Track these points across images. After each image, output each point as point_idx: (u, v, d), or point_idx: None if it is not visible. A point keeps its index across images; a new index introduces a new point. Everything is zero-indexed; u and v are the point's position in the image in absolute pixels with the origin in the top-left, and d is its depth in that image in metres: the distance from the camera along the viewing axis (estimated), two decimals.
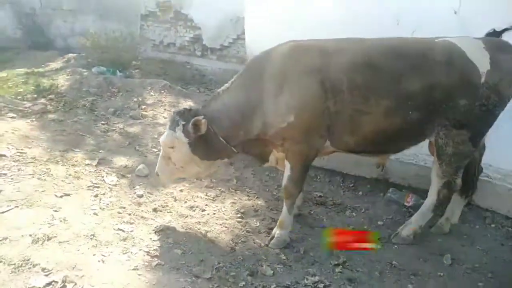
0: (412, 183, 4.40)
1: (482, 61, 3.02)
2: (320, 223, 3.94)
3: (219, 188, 4.41)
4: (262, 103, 3.19)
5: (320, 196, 4.50)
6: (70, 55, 8.88)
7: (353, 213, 4.16)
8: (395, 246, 3.59)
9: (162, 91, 7.14)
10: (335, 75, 3.05)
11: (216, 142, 3.37)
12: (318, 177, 4.87)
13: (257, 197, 4.35)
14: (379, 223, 3.99)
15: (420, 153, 4.31)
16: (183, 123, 3.33)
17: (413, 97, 3.02)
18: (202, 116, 3.26)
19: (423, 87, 3.01)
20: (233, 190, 4.43)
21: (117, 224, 3.30)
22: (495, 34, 3.74)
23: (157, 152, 5.15)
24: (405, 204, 4.27)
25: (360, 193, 4.58)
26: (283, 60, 3.21)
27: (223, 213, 3.89)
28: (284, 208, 3.44)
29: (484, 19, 3.76)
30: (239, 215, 3.89)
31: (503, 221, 3.92)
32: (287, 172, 3.34)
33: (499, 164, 3.99)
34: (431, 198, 3.45)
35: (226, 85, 3.47)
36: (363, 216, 4.09)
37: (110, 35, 8.32)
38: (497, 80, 3.02)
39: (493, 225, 3.91)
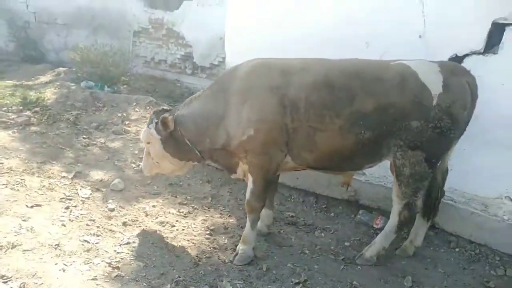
0: (381, 205, 4.48)
1: (434, 84, 3.13)
2: (288, 243, 4.00)
3: (193, 205, 4.48)
4: (226, 115, 3.38)
5: (292, 216, 4.57)
6: (61, 69, 9.01)
7: (322, 234, 4.24)
8: (359, 267, 3.66)
9: (147, 108, 7.25)
10: (294, 93, 3.22)
11: (183, 144, 3.64)
12: (292, 197, 4.95)
13: (229, 215, 4.42)
14: (346, 244, 4.07)
15: (389, 175, 4.40)
16: (156, 121, 3.62)
17: (366, 117, 3.14)
18: (169, 114, 3.55)
19: (375, 108, 3.13)
20: (206, 208, 4.50)
21: (83, 235, 3.36)
22: (457, 59, 3.91)
23: (135, 168, 5.25)
24: (374, 226, 4.36)
25: (332, 214, 4.66)
26: (247, 76, 3.40)
27: (192, 230, 3.96)
28: (247, 223, 3.53)
29: (447, 44, 3.93)
30: (208, 232, 3.96)
31: (467, 245, 4.01)
32: (249, 185, 3.48)
33: (464, 188, 4.11)
34: (393, 219, 3.55)
35: (198, 93, 3.73)
36: (331, 237, 4.16)
37: (99, 50, 8.48)
38: (449, 102, 3.12)
39: (457, 249, 3.99)
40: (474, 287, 3.47)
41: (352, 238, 4.19)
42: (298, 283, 3.27)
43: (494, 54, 3.81)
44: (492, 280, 3.55)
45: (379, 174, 4.49)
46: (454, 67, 3.37)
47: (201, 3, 10.13)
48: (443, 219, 4.17)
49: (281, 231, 4.21)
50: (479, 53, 3.88)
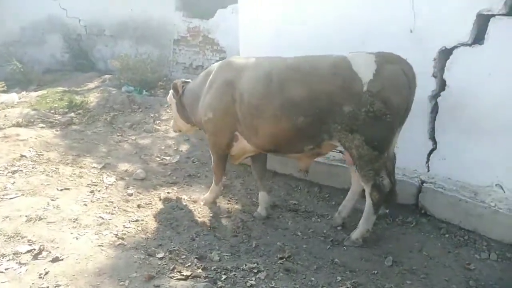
0: None
1: (365, 72, 3.41)
2: (284, 226, 4.34)
3: (204, 193, 4.95)
4: (201, 98, 4.29)
5: (295, 204, 4.89)
6: (106, 76, 9.97)
7: (319, 219, 4.52)
8: (344, 247, 3.92)
9: None
10: (241, 86, 3.87)
11: (184, 111, 4.77)
12: (298, 188, 5.27)
13: (236, 202, 4.83)
14: (339, 228, 4.33)
15: None
16: None
17: (298, 105, 3.55)
18: (181, 82, 4.79)
19: (308, 96, 3.52)
20: None
21: (100, 213, 3.94)
22: (446, 51, 4.07)
23: (159, 161, 5.84)
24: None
25: (333, 203, 4.91)
26: (216, 70, 4.25)
27: (198, 213, 4.42)
28: (213, 181, 4.65)
29: (436, 37, 4.10)
30: (211, 215, 4.40)
31: (457, 231, 4.11)
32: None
33: (457, 177, 4.24)
34: (368, 202, 3.81)
35: (200, 74, 4.65)
36: (326, 222, 4.43)
37: (138, 58, 9.30)
38: (379, 88, 3.37)
39: (446, 235, 4.11)
40: (453, 269, 3.60)
41: (346, 224, 4.43)
42: (282, 258, 3.60)
43: (480, 45, 3.92)
44: (474, 263, 3.65)
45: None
46: (389, 57, 3.56)
47: (235, 11, 10.67)
48: (435, 207, 4.30)
49: (280, 216, 4.55)
50: (467, 45, 4.00)
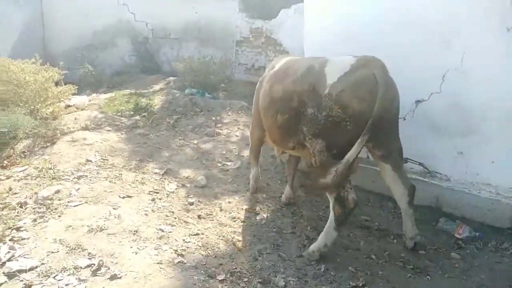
0: (465, 213, 4.11)
1: (332, 74, 3.27)
2: (355, 246, 3.92)
3: (267, 203, 4.66)
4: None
5: (367, 220, 4.45)
6: (171, 78, 10.04)
7: (395, 240, 4.05)
8: (428, 277, 3.43)
9: (239, 112, 7.70)
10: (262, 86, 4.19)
11: None
12: (369, 201, 4.81)
13: (300, 216, 4.48)
14: (421, 252, 3.82)
15: (475, 182, 4.03)
16: None
17: (276, 103, 3.72)
18: None
19: (283, 95, 3.64)
20: (279, 207, 4.64)
21: (160, 224, 3.78)
22: None
23: (220, 167, 5.65)
24: (456, 235, 4.01)
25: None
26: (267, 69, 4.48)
27: (260, 226, 4.13)
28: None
29: None
30: (275, 229, 4.09)
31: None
32: None
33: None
34: (330, 214, 3.47)
35: None
36: (403, 243, 3.94)
37: (201, 60, 9.23)
38: (338, 91, 3.18)
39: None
40: None
41: (428, 246, 3.91)
42: (355, 286, 3.21)
43: None
44: None
45: (465, 180, 4.12)
46: (368, 61, 3.26)
47: (298, 11, 10.35)
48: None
49: (351, 234, 4.14)
50: None
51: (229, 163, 5.78)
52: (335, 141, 3.29)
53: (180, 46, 11.89)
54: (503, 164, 3.82)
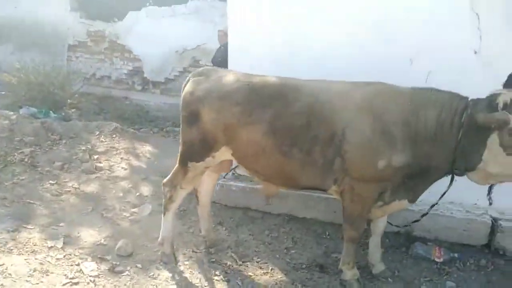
0: (439, 235, 4.06)
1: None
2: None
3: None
4: None
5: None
6: None
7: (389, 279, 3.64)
8: None
9: (114, 136, 6.15)
10: None
11: None
12: (327, 234, 4.31)
13: None
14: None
15: (443, 202, 4.00)
16: None
17: None
18: None
19: None
20: None
21: None
22: None
23: (129, 217, 4.25)
24: (436, 259, 3.88)
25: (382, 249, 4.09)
26: None
27: None
28: None
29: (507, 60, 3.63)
30: None
31: None
32: None
33: None
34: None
35: None
36: (397, 280, 3.59)
37: (40, 70, 7.08)
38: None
39: None
40: None
41: (421, 279, 3.63)
42: None
43: None
44: None
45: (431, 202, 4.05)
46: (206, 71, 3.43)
47: (150, 15, 9.19)
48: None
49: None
50: None
51: (135, 210, 4.41)
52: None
53: None
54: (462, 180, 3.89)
